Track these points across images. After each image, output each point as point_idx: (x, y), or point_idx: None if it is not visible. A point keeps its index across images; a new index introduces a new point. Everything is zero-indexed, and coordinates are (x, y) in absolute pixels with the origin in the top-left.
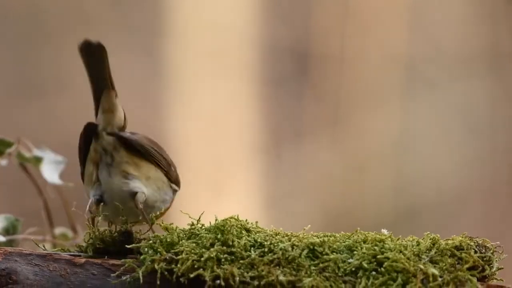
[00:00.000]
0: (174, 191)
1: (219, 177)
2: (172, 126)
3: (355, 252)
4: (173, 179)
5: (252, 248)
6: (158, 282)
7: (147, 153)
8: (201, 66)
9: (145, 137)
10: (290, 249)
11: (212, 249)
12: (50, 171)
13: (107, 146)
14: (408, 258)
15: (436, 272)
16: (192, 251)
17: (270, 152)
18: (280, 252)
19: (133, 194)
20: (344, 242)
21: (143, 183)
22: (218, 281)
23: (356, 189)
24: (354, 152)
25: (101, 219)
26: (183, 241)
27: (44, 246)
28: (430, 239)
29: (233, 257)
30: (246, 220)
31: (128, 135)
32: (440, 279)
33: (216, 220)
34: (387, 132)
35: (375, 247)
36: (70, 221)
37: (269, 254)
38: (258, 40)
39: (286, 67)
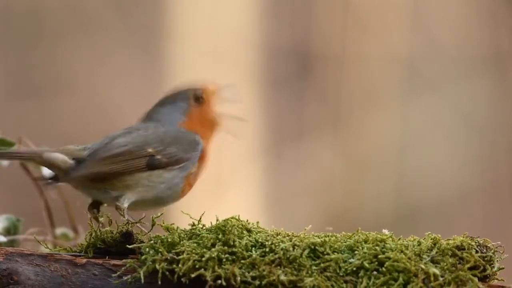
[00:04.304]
0: (183, 167)
1: (220, 177)
2: None
3: (356, 252)
4: (163, 165)
5: (253, 248)
6: (159, 282)
7: (106, 175)
8: (201, 67)
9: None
10: (291, 249)
11: (213, 249)
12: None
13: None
14: (409, 258)
15: (437, 271)
16: (193, 251)
17: (271, 152)
18: (281, 252)
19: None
20: (345, 242)
21: (124, 191)
22: (219, 281)
23: (357, 189)
24: (355, 152)
25: (103, 219)
26: (184, 241)
27: (46, 245)
28: (431, 239)
29: (234, 257)
30: (247, 220)
31: (78, 173)
32: (441, 278)
33: (217, 220)
34: (388, 132)
35: (376, 247)
36: (71, 222)
37: (270, 254)
38: (258, 40)
39: (287, 67)
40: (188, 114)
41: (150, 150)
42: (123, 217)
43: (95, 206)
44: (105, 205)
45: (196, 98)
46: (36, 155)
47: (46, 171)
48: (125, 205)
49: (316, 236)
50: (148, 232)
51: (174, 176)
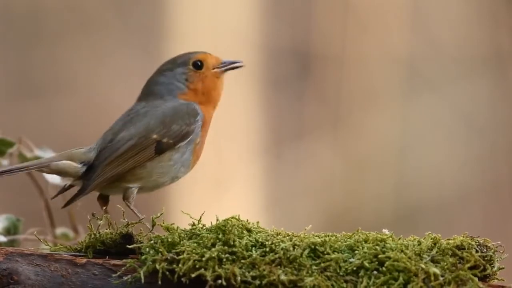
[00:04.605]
0: (189, 140)
1: (220, 177)
2: None
3: (356, 251)
4: (171, 145)
5: (254, 248)
6: (159, 282)
7: (117, 176)
8: None
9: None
10: (291, 248)
11: (213, 249)
12: None
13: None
14: (409, 258)
15: (437, 271)
16: (194, 251)
17: (271, 152)
18: (282, 252)
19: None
20: (345, 242)
21: (138, 182)
22: (219, 281)
23: (357, 189)
24: (355, 152)
25: (103, 222)
26: (184, 241)
27: (47, 243)
28: (431, 239)
29: (234, 257)
30: (247, 220)
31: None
32: (441, 278)
33: (217, 220)
34: (388, 132)
35: (376, 247)
36: (71, 222)
37: (271, 254)
38: (258, 40)
39: (287, 67)
40: (188, 81)
41: (155, 136)
42: (129, 207)
43: (104, 197)
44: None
45: (196, 63)
46: (43, 166)
47: (51, 179)
48: (134, 195)
49: (316, 236)
50: (150, 231)
51: (183, 152)
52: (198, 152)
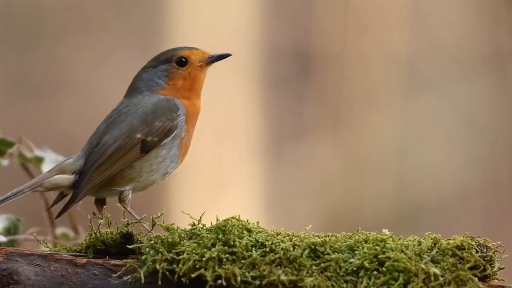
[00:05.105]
0: (174, 136)
1: (220, 177)
2: None
3: (356, 252)
4: (156, 143)
5: (254, 248)
6: (159, 282)
7: (106, 180)
8: None
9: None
10: (291, 249)
11: (213, 249)
12: None
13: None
14: (409, 258)
15: (437, 271)
16: (194, 251)
17: (271, 152)
18: (282, 252)
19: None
20: (346, 242)
21: (129, 184)
22: (219, 281)
23: (357, 189)
24: (355, 152)
25: (103, 221)
26: (184, 241)
27: (46, 244)
28: (431, 239)
29: (234, 257)
30: (247, 220)
31: (81, 193)
32: (441, 278)
33: (217, 220)
34: (388, 132)
35: (377, 247)
36: (71, 222)
37: (271, 254)
38: (258, 40)
39: (287, 67)
40: (168, 78)
41: (139, 135)
42: (126, 210)
43: (100, 200)
44: None
45: (180, 60)
46: (37, 185)
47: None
48: (129, 197)
49: (316, 236)
50: (150, 231)
51: (169, 148)
52: (185, 146)
